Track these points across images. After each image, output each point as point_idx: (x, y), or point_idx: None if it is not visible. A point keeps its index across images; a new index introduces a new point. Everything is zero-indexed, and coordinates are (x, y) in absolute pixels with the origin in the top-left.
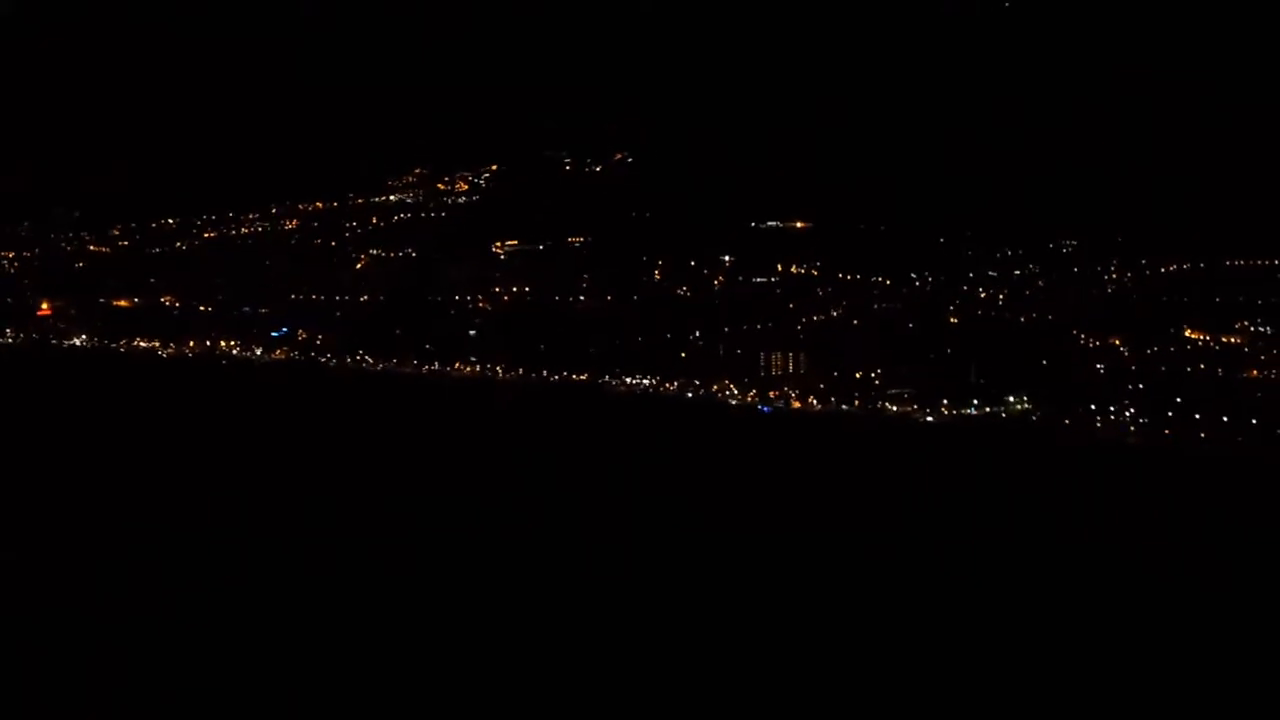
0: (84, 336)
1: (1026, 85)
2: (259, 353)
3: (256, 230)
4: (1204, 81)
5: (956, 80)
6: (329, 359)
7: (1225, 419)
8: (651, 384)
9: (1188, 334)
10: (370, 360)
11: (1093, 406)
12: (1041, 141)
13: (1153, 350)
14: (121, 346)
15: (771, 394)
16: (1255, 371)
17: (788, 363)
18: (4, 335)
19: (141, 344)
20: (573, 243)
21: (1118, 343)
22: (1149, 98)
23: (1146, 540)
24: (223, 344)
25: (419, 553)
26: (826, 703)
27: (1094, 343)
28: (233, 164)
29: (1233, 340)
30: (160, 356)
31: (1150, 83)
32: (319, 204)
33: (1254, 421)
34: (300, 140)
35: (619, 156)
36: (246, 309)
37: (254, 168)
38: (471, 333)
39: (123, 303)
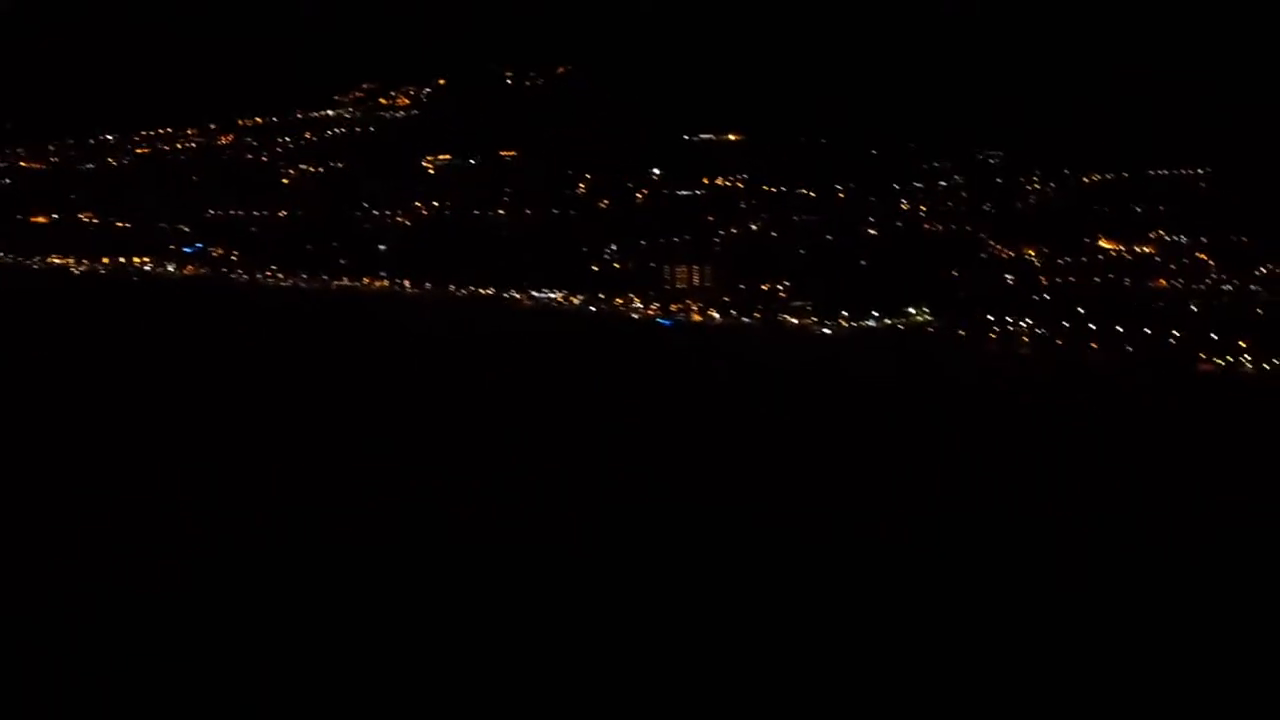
0: None
1: None
2: (170, 269)
3: (190, 146)
4: None
5: None
6: (239, 275)
7: (1120, 328)
8: (558, 298)
9: (1102, 244)
10: (280, 276)
11: (990, 318)
12: (972, 56)
13: (1065, 261)
14: (35, 263)
15: (673, 307)
16: (1162, 280)
17: (693, 276)
18: None
19: (55, 260)
20: (504, 156)
21: (1031, 253)
22: (1074, 9)
23: (1025, 450)
24: (135, 260)
25: (317, 473)
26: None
27: (1008, 254)
28: (177, 79)
29: (1146, 250)
30: (70, 273)
31: None
32: (258, 119)
33: (1147, 330)
34: (245, 56)
35: (561, 70)
36: (164, 225)
37: (196, 84)
38: (382, 247)
39: (41, 219)
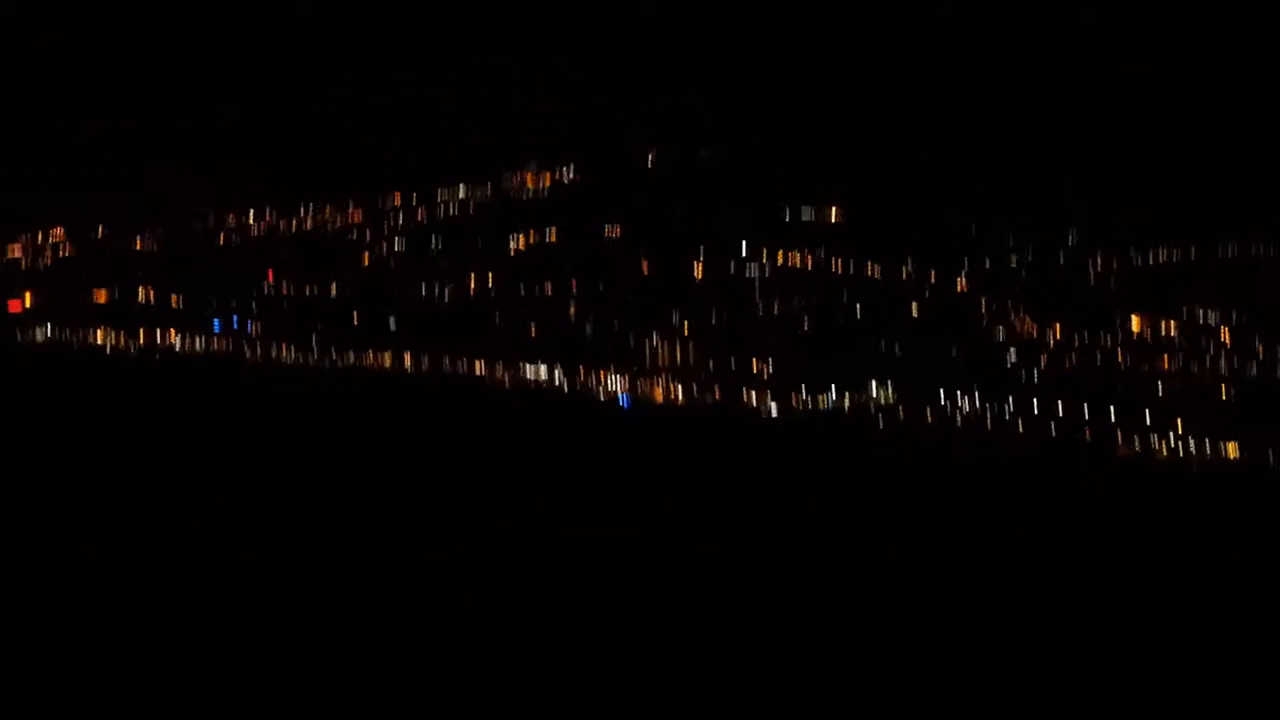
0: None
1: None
2: (199, 344)
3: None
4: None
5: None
6: (252, 353)
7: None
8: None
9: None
10: (290, 352)
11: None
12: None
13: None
14: (77, 340)
15: (640, 385)
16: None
17: (674, 353)
18: None
19: (98, 339)
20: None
21: (1032, 330)
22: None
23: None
24: (172, 334)
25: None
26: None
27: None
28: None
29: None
30: (106, 351)
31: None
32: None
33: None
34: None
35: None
36: (211, 303)
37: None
38: (392, 320)
39: (101, 298)
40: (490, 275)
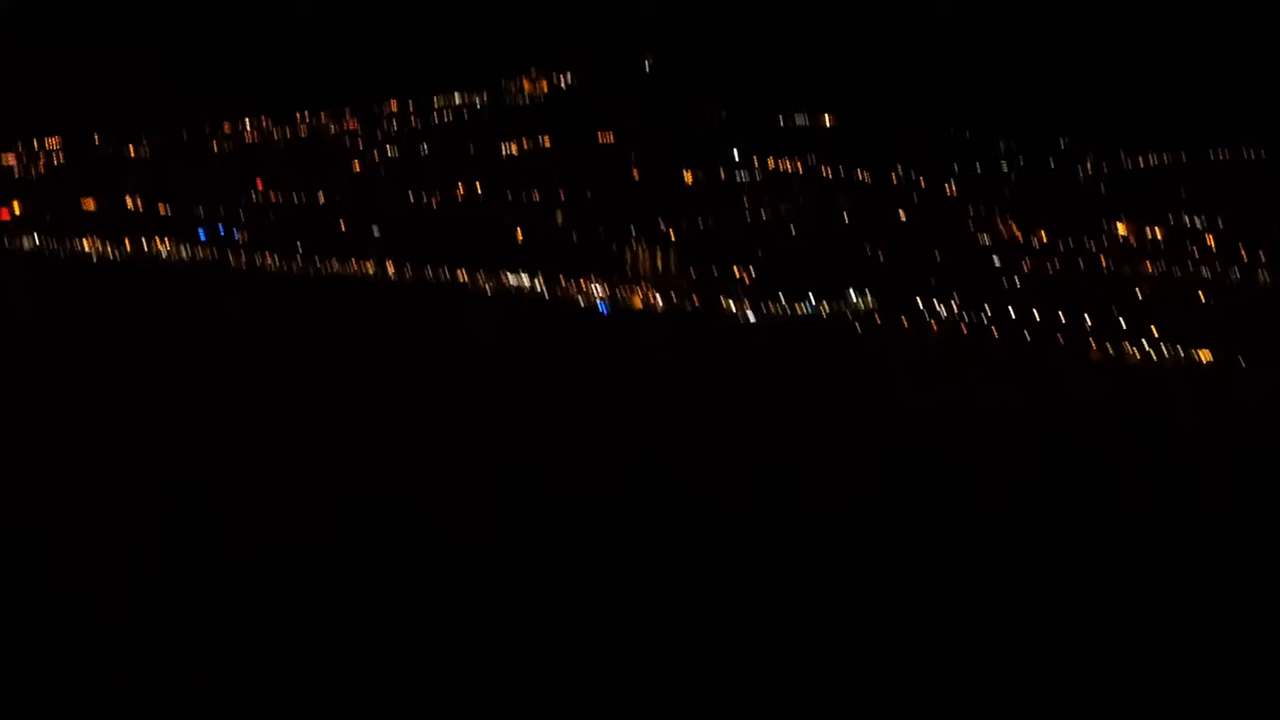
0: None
1: None
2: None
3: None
4: None
5: None
6: (238, 260)
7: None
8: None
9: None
10: (275, 261)
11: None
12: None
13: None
14: (64, 249)
15: (621, 293)
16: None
17: (655, 261)
18: None
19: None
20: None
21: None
22: None
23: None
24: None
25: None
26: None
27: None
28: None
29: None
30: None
31: None
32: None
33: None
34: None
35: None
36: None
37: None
38: (376, 227)
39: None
40: (479, 183)
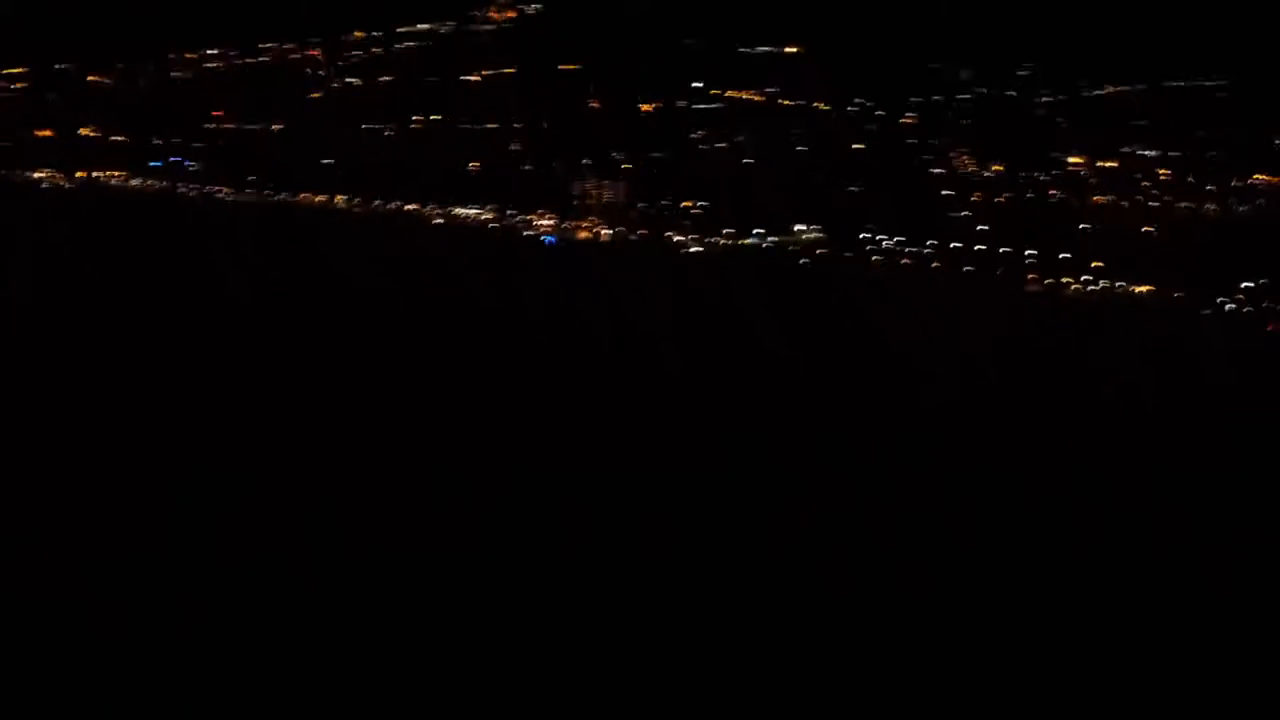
0: None
1: None
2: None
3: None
4: None
5: None
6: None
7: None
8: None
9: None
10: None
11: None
12: None
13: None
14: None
15: (569, 223)
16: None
17: (601, 193)
18: None
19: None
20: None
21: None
22: None
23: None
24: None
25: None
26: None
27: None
28: None
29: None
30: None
31: None
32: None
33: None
34: None
35: None
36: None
37: None
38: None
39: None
40: (438, 114)
